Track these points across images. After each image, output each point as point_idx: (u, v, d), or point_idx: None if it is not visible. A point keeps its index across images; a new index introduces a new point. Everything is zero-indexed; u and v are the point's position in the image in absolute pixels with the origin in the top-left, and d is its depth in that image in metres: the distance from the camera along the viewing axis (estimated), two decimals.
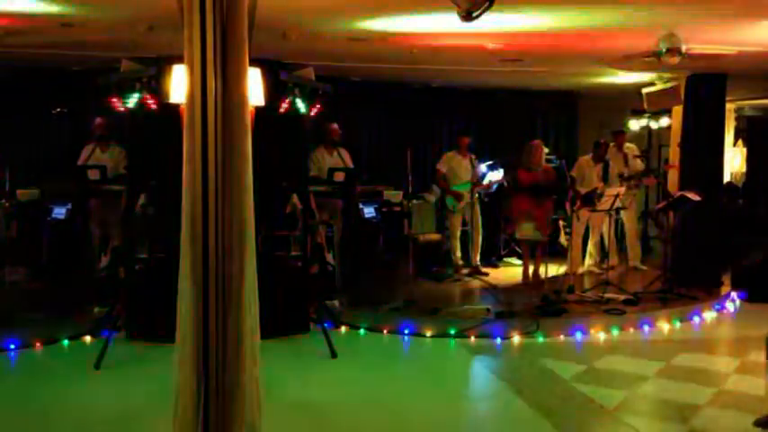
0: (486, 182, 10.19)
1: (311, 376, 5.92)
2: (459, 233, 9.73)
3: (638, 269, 10.01)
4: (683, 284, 8.39)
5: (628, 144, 10.41)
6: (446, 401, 5.44)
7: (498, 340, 6.97)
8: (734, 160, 13.19)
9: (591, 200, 8.75)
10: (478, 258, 9.83)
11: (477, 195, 9.68)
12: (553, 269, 8.71)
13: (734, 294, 8.75)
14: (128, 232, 7.25)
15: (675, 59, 6.61)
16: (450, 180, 9.58)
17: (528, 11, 6.02)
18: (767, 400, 5.17)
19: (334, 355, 6.30)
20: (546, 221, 9.09)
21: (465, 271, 9.64)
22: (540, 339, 7.02)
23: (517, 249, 10.86)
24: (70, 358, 6.36)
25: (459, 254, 9.72)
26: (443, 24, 6.31)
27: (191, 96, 2.94)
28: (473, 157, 9.62)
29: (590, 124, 12.46)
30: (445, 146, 11.68)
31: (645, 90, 10.06)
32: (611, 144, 10.04)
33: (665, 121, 11.59)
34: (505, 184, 10.02)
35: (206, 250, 2.95)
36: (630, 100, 11.36)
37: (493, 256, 10.60)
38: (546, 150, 9.71)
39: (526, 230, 8.98)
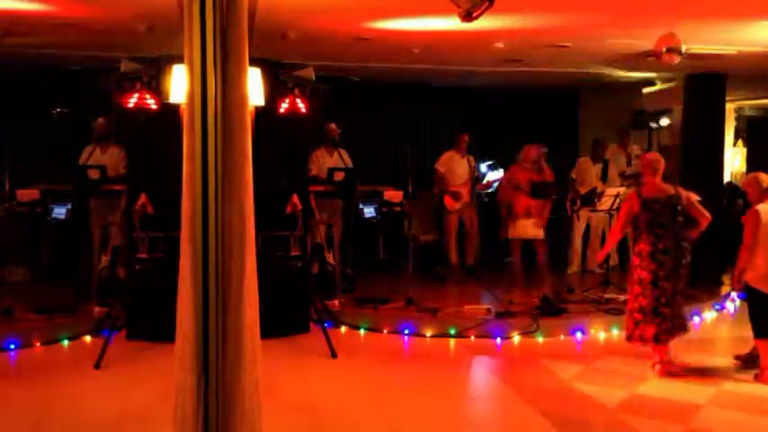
0: (485, 181, 10.17)
1: (311, 376, 5.92)
2: (455, 233, 9.67)
3: None
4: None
5: (633, 145, 10.41)
6: (446, 401, 5.44)
7: (498, 340, 6.97)
8: (734, 160, 13.19)
9: (591, 200, 8.75)
10: (473, 259, 9.80)
11: (476, 196, 9.66)
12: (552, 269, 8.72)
13: (734, 294, 8.75)
14: (128, 232, 7.25)
15: (675, 59, 6.61)
16: (449, 180, 9.54)
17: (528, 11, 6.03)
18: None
19: (334, 355, 6.31)
20: (544, 220, 9.00)
21: (459, 270, 9.63)
22: (540, 339, 7.02)
23: None
24: (70, 358, 6.36)
25: (455, 254, 9.69)
26: (444, 24, 6.32)
27: (191, 96, 2.93)
28: (471, 157, 9.61)
29: (590, 124, 12.46)
30: (445, 145, 11.68)
31: (645, 90, 10.07)
32: (615, 144, 10.05)
33: (664, 121, 11.59)
34: (502, 182, 9.89)
35: (206, 250, 2.95)
36: (630, 100, 11.37)
37: (493, 256, 10.58)
38: (545, 150, 9.69)
39: (523, 228, 8.84)
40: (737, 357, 6.21)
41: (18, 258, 8.43)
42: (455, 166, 9.50)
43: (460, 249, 9.74)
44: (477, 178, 9.74)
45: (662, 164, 5.97)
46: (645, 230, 5.85)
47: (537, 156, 8.98)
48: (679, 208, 5.85)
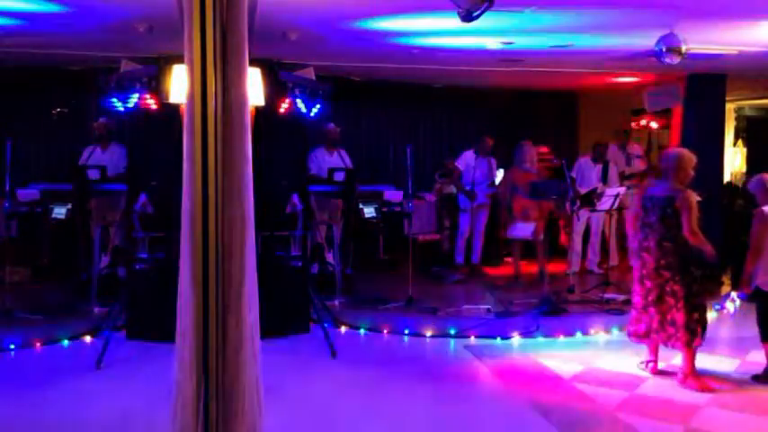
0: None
1: (311, 376, 5.92)
2: (468, 233, 9.69)
3: None
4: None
5: (634, 144, 10.43)
6: (446, 401, 5.44)
7: (498, 340, 6.97)
8: (734, 160, 13.20)
9: (591, 200, 8.76)
10: (479, 259, 9.83)
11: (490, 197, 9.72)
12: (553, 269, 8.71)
13: (734, 294, 8.74)
14: (128, 232, 7.25)
15: (675, 59, 6.61)
16: (465, 179, 9.55)
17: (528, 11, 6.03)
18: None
19: (334, 355, 6.31)
20: (543, 222, 8.98)
21: (465, 271, 9.64)
22: (540, 339, 7.02)
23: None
24: (70, 358, 6.36)
25: (464, 254, 9.71)
26: (444, 24, 6.31)
27: (191, 96, 2.94)
28: (493, 159, 9.66)
29: (590, 124, 12.46)
30: (446, 146, 11.69)
31: (645, 90, 10.07)
32: (617, 144, 10.07)
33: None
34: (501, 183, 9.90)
35: (206, 250, 2.95)
36: (630, 100, 11.36)
37: (493, 256, 10.59)
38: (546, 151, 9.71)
39: (521, 229, 8.85)
40: (755, 377, 5.88)
41: (18, 258, 8.43)
42: (475, 166, 9.49)
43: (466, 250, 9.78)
44: (492, 180, 9.79)
45: (682, 163, 5.65)
46: (639, 228, 5.91)
47: (536, 155, 9.03)
48: (676, 207, 5.58)
